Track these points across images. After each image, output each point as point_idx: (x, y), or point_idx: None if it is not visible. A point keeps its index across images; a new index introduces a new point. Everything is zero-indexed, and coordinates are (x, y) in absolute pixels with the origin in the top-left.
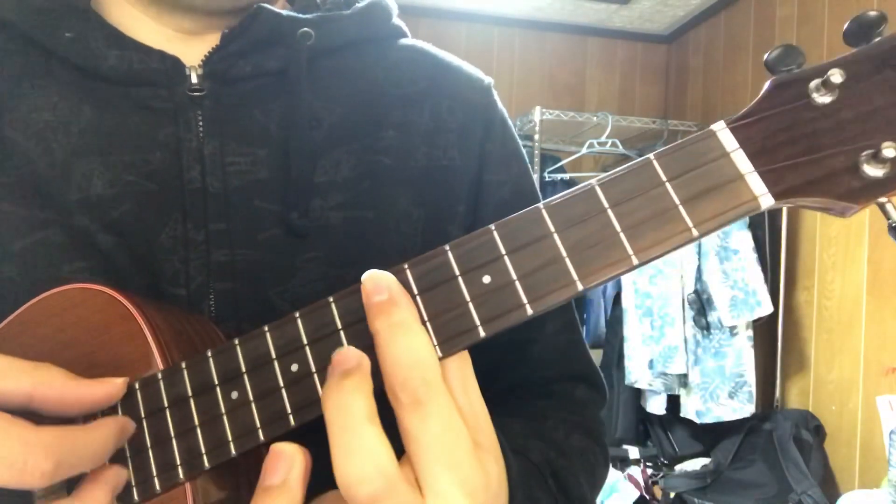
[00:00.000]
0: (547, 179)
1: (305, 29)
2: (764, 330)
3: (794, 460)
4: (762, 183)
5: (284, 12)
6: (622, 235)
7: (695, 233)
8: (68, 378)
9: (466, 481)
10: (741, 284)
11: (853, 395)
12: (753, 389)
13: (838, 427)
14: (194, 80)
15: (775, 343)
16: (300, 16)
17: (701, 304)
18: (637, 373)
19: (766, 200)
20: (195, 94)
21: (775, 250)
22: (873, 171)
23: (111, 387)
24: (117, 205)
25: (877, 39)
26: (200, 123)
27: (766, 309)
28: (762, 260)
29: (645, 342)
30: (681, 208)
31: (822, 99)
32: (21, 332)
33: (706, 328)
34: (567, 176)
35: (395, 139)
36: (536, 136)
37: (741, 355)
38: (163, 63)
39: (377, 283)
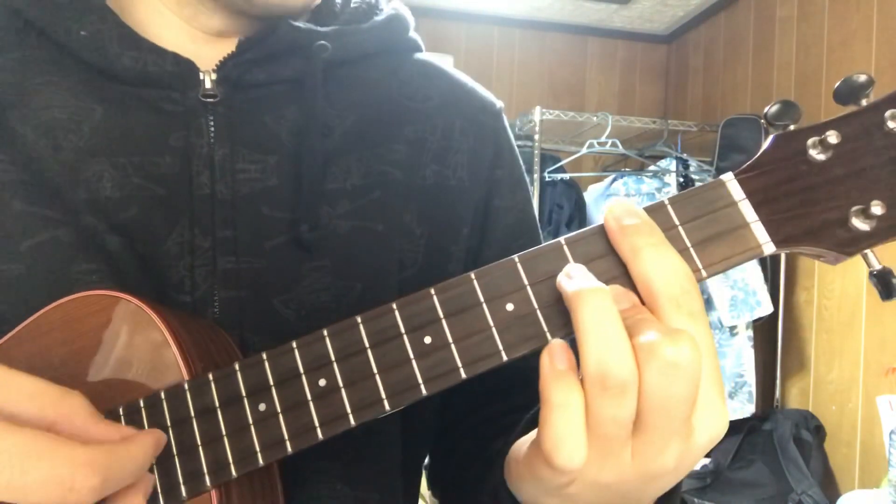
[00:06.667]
0: (547, 179)
1: (322, 42)
2: (764, 330)
3: (794, 460)
4: (765, 231)
5: (303, 25)
6: None
7: (703, 274)
8: (91, 417)
9: (721, 411)
10: (741, 284)
11: (853, 395)
12: (753, 389)
13: (838, 427)
14: (208, 84)
15: (775, 343)
16: (318, 29)
17: None
18: None
19: (769, 248)
20: (208, 99)
21: None
22: (861, 224)
23: (130, 433)
24: (125, 207)
25: (865, 103)
26: (212, 129)
27: (766, 309)
28: (762, 260)
29: None
30: (692, 251)
31: (819, 156)
32: (39, 335)
33: None
34: (567, 176)
35: (406, 153)
36: (536, 136)
37: (741, 355)
38: (177, 66)
39: (628, 209)
